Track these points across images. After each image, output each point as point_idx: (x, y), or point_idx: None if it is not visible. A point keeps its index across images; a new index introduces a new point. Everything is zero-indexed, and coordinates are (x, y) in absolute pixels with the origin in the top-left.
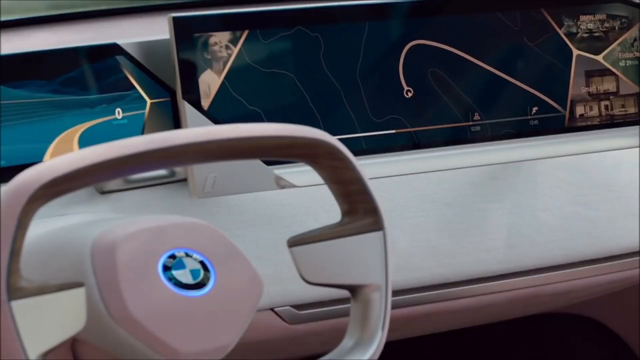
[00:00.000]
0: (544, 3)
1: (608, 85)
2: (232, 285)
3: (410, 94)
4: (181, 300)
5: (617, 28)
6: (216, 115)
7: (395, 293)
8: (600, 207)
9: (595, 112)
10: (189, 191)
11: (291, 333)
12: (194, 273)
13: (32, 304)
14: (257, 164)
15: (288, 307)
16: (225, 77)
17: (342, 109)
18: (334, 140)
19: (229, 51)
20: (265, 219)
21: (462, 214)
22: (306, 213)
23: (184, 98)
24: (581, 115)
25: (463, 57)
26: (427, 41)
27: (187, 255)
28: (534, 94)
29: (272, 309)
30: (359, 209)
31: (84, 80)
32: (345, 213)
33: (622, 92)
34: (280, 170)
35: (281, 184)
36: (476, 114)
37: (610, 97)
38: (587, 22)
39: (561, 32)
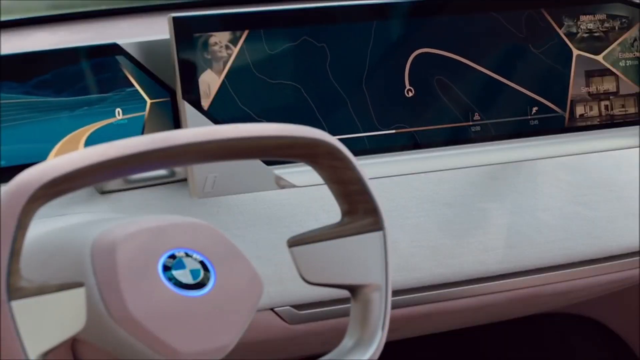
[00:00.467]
0: (544, 3)
1: (608, 85)
2: (232, 285)
3: (411, 94)
4: (181, 300)
5: (617, 28)
6: (216, 115)
7: (395, 293)
8: (600, 207)
9: (595, 112)
10: (189, 191)
11: (291, 333)
12: (194, 273)
13: (32, 304)
14: (257, 164)
15: (288, 307)
16: (225, 77)
17: (344, 110)
18: (334, 140)
19: (229, 51)
20: (265, 219)
21: (462, 214)
22: (306, 213)
23: (184, 98)
24: (581, 115)
25: (465, 62)
26: (432, 49)
27: (187, 255)
28: (533, 93)
29: (272, 309)
30: (359, 209)
31: (84, 80)
32: (345, 213)
33: (622, 92)
34: (280, 170)
35: (281, 184)
36: (476, 113)
37: (610, 97)
38: (587, 22)
39: (561, 32)
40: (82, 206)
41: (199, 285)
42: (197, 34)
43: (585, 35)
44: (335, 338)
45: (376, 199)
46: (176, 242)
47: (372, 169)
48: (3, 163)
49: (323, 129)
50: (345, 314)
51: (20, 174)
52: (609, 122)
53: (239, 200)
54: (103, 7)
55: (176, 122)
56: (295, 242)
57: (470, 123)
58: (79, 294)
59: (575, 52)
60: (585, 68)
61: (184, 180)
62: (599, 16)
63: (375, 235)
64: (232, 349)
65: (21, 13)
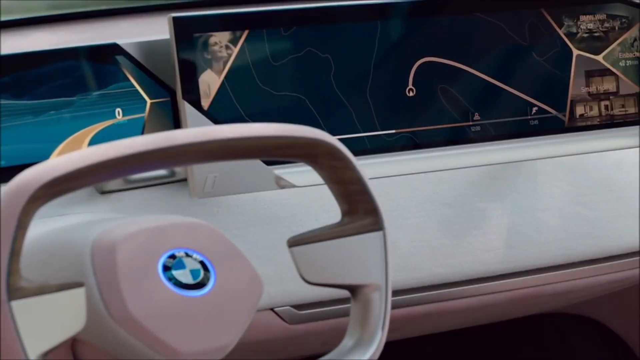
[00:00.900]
0: (544, 3)
1: (608, 85)
2: (232, 285)
3: (412, 93)
4: (181, 300)
5: (617, 28)
6: (216, 115)
7: (395, 293)
8: (600, 207)
9: (595, 112)
10: (189, 191)
11: (291, 333)
12: (194, 273)
13: (32, 304)
14: (257, 164)
15: (288, 307)
16: (225, 77)
17: (344, 110)
18: (334, 140)
19: (229, 51)
20: (265, 219)
21: (462, 214)
22: (306, 213)
23: (184, 98)
24: (581, 115)
25: (466, 67)
26: (436, 57)
27: (187, 255)
28: (533, 93)
29: (272, 309)
30: (359, 209)
31: (84, 80)
32: (345, 213)
33: (622, 92)
34: (280, 170)
35: (281, 184)
36: (476, 113)
37: (610, 97)
38: (587, 22)
39: (561, 32)
40: (82, 206)
41: (199, 285)
42: (197, 34)
43: (585, 35)
44: (335, 338)
45: (376, 199)
46: (176, 242)
47: (372, 169)
48: (3, 163)
49: (325, 129)
50: (345, 314)
51: (20, 174)
52: (609, 122)
53: (239, 200)
54: (103, 7)
55: (176, 122)
56: (295, 242)
57: (470, 123)
58: (79, 294)
59: (575, 52)
60: (585, 68)
61: (184, 180)
62: (599, 16)
63: (375, 235)
64: (232, 349)
65: (21, 13)
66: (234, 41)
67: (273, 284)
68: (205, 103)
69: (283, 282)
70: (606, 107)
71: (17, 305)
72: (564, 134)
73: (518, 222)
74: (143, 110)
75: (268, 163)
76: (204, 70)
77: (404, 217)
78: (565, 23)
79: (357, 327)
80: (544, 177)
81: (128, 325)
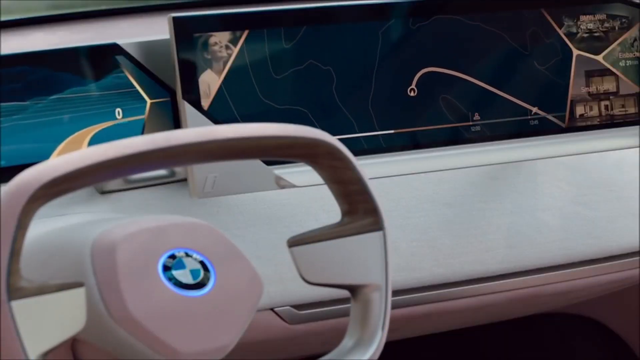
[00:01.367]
0: (544, 3)
1: (608, 85)
2: (232, 285)
3: (413, 93)
4: (181, 300)
5: (617, 28)
6: (216, 115)
7: (395, 293)
8: (600, 207)
9: (595, 112)
10: (189, 191)
11: (291, 333)
12: (194, 273)
13: (32, 304)
14: (257, 164)
15: (288, 307)
16: (225, 77)
17: (343, 110)
18: (334, 140)
19: (229, 51)
20: (265, 219)
21: (462, 214)
22: (306, 213)
23: (184, 98)
24: (581, 115)
25: (467, 77)
26: (437, 68)
27: (187, 255)
28: (533, 93)
29: (272, 309)
30: (359, 209)
31: (84, 80)
32: (345, 213)
33: (622, 92)
34: (280, 170)
35: (281, 184)
36: (476, 113)
37: (610, 97)
38: (587, 22)
39: (561, 32)
40: (82, 206)
41: (199, 285)
42: (197, 34)
43: (585, 35)
44: (335, 338)
45: (376, 199)
46: (176, 242)
47: (372, 169)
48: (3, 163)
49: (323, 129)
50: (345, 314)
51: (20, 174)
52: (609, 122)
53: (239, 200)
54: (103, 7)
55: (176, 122)
56: (295, 242)
57: (470, 123)
58: (79, 294)
59: (575, 52)
60: (585, 68)
61: (184, 180)
62: (599, 16)
63: (375, 235)
64: (232, 349)
65: (21, 13)
66: (234, 41)
67: (273, 284)
68: (205, 103)
69: (283, 282)
70: (606, 107)
71: (17, 305)
72: (564, 134)
73: (518, 222)
74: (143, 110)
75: (268, 163)
76: (204, 70)
77: (404, 217)
78: (565, 23)
79: (357, 327)
80: (544, 177)
81: (128, 325)
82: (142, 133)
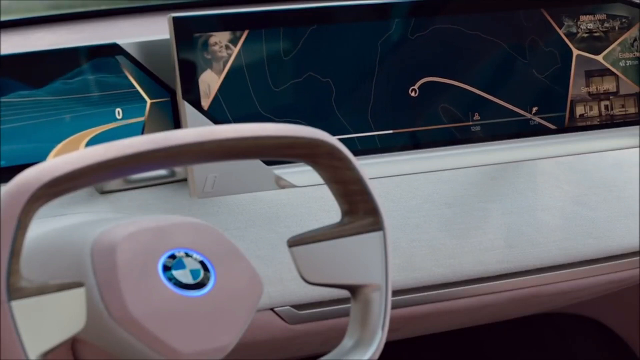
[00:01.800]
0: (544, 3)
1: (608, 85)
2: (232, 285)
3: (414, 94)
4: (181, 300)
5: (617, 28)
6: (216, 115)
7: (395, 293)
8: (600, 207)
9: (595, 112)
10: (189, 191)
11: (291, 333)
12: (194, 273)
13: (32, 304)
14: (257, 164)
15: (288, 307)
16: (225, 77)
17: (343, 109)
18: (334, 140)
19: (229, 51)
20: (265, 219)
21: (462, 214)
22: (306, 213)
23: (184, 98)
24: (581, 115)
25: (466, 86)
26: (437, 77)
27: (187, 255)
28: (533, 93)
29: (272, 309)
30: (359, 209)
31: (84, 80)
32: (345, 213)
33: (622, 92)
34: (280, 170)
35: (281, 184)
36: (476, 113)
37: (610, 97)
38: (587, 22)
39: (561, 32)
40: (82, 206)
41: (199, 285)
42: (197, 34)
43: (585, 35)
44: (335, 338)
45: (376, 199)
46: (176, 242)
47: (372, 169)
48: (3, 163)
49: (324, 128)
50: (345, 314)
51: (20, 174)
52: (609, 122)
53: (239, 200)
54: (103, 7)
55: (176, 122)
56: (295, 242)
57: (470, 123)
58: (79, 294)
59: (575, 52)
60: (585, 68)
61: (184, 180)
62: (599, 16)
63: (376, 235)
64: (232, 349)
65: (21, 13)
66: (234, 41)
67: (273, 284)
68: (205, 103)
69: (283, 282)
70: (606, 107)
71: (17, 305)
72: (564, 134)
73: (518, 222)
74: (143, 111)
75: (268, 163)
76: (204, 70)
77: (404, 217)
78: (565, 23)
79: (357, 327)
80: (544, 177)
81: (128, 325)
82: (142, 133)
